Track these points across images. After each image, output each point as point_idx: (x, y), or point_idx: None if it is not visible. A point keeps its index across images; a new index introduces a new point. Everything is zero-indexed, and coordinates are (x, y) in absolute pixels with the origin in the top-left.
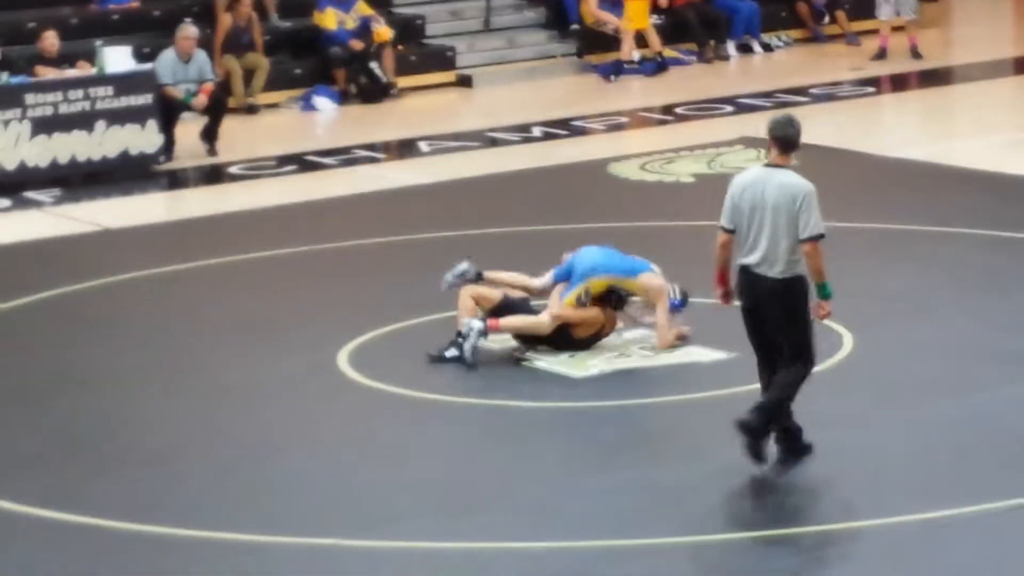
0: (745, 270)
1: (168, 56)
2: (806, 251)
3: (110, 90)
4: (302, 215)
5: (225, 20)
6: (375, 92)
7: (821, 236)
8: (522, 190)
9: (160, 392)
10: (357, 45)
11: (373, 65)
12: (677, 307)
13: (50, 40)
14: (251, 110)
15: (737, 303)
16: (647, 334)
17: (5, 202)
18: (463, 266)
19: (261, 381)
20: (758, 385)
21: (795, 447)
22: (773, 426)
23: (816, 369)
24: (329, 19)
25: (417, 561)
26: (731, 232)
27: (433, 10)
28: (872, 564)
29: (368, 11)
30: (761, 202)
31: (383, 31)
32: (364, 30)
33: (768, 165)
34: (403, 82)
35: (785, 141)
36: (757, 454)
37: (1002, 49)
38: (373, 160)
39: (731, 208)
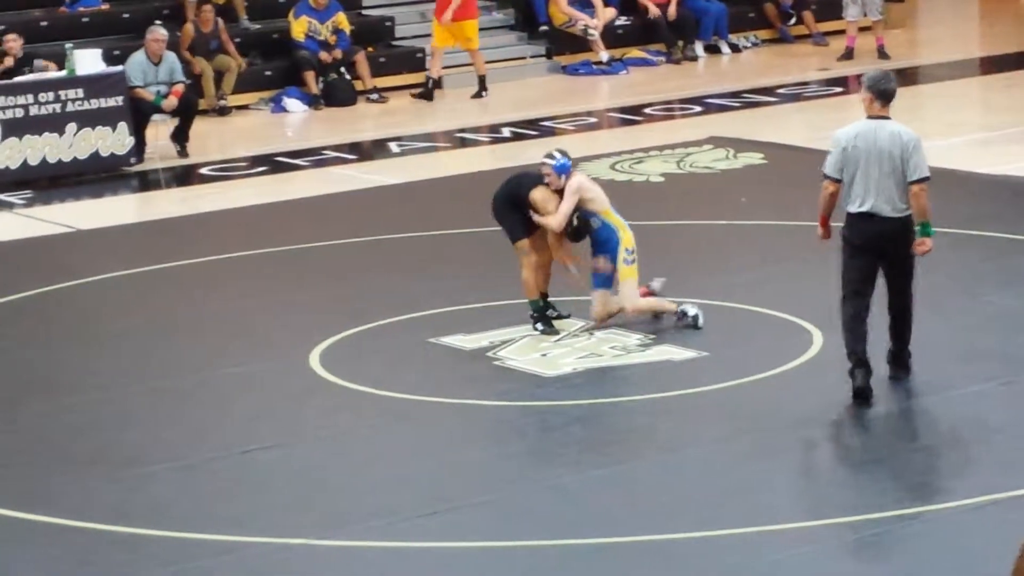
0: (862, 215)
1: (138, 58)
2: (915, 191)
3: (80, 92)
4: (273, 216)
5: (188, 29)
6: (345, 97)
7: (928, 178)
8: (492, 190)
9: (132, 393)
10: (326, 58)
11: (342, 71)
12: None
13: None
14: (222, 112)
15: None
16: (618, 333)
17: None
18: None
19: (233, 381)
20: (729, 383)
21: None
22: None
23: (786, 367)
24: (299, 28)
25: (389, 560)
26: (839, 182)
27: (402, 12)
28: (844, 561)
29: (346, 26)
30: (875, 150)
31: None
32: (340, 43)
33: (872, 117)
34: (372, 83)
35: (888, 94)
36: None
37: (968, 49)
38: (344, 161)
39: (841, 159)
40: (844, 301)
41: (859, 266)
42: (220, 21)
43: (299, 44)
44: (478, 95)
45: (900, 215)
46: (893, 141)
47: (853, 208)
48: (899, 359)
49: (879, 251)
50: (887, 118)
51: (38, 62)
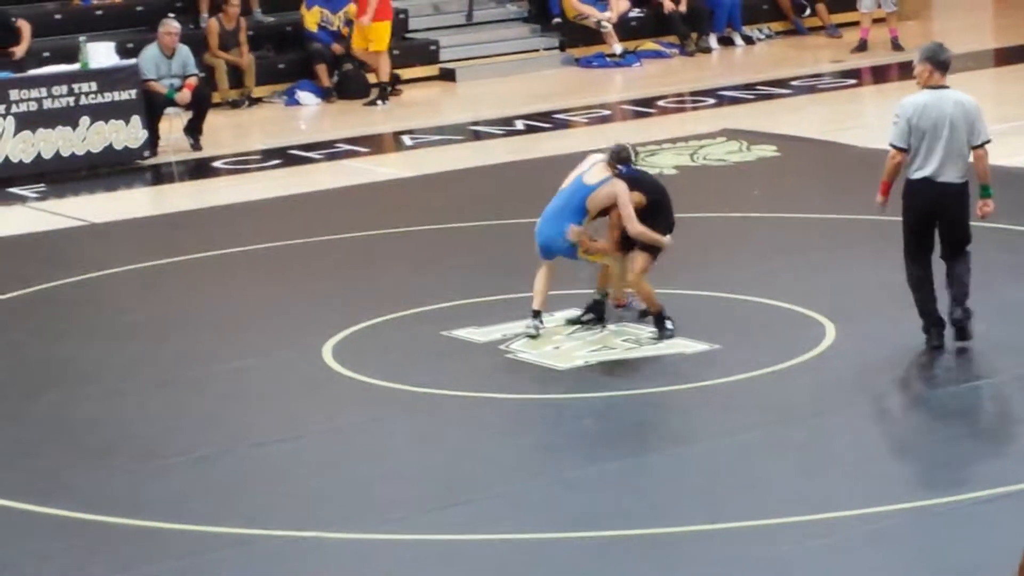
0: (927, 180)
1: (151, 51)
2: (979, 155)
3: (94, 85)
4: (286, 209)
5: (212, 25)
6: (358, 90)
7: (989, 141)
8: (505, 183)
9: (145, 386)
10: (338, 49)
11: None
12: None
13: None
14: (235, 105)
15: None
16: (631, 327)
17: None
18: (529, 328)
19: (246, 374)
20: (741, 376)
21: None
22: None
23: (798, 360)
24: (311, 18)
25: (402, 553)
26: (905, 151)
27: (416, 4)
28: (856, 553)
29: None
30: (942, 118)
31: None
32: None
33: (934, 87)
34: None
35: (946, 64)
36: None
37: (982, 41)
38: (357, 154)
39: (908, 129)
40: (910, 263)
41: (921, 230)
42: (242, 20)
43: (312, 35)
44: (372, 103)
45: (961, 180)
46: (957, 109)
47: (918, 175)
48: (962, 324)
49: (940, 215)
50: (947, 87)
51: None
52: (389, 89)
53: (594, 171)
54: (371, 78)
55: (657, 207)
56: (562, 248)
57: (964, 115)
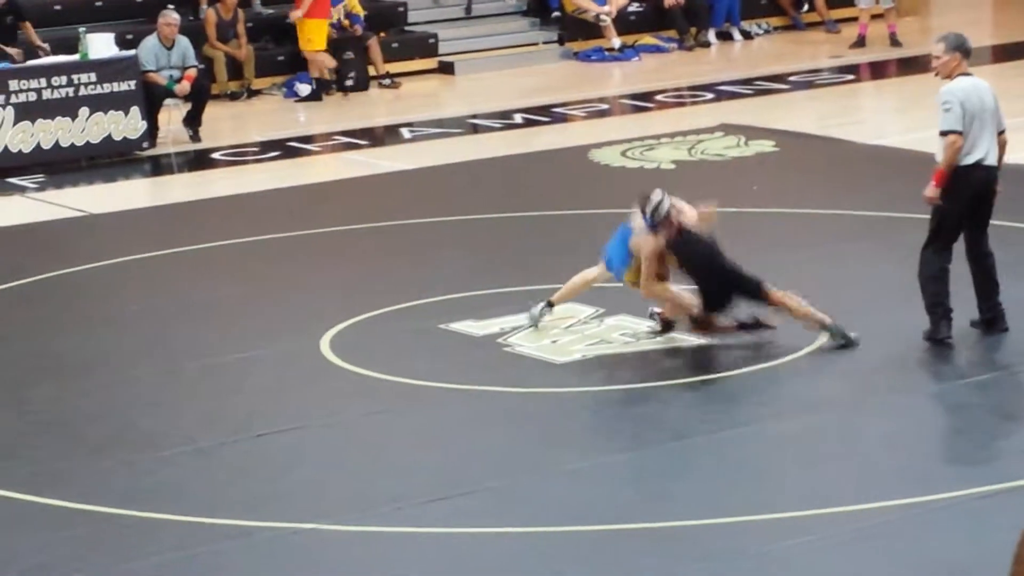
0: (978, 164)
1: (151, 42)
2: (1003, 140)
3: (93, 76)
4: (285, 201)
5: (210, 16)
6: (355, 82)
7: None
8: (503, 176)
9: (145, 377)
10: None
11: (349, 55)
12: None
13: None
14: (233, 96)
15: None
16: (629, 320)
17: None
18: (534, 311)
19: (244, 366)
20: (738, 371)
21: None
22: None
23: (795, 355)
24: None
25: (400, 545)
26: (963, 134)
27: None
28: (853, 549)
29: (359, 10)
30: (981, 104)
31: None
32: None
33: (965, 75)
34: (384, 69)
35: (971, 51)
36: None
37: (981, 37)
38: (355, 146)
39: (963, 114)
40: (937, 254)
41: (963, 218)
42: (240, 11)
43: None
44: (309, 99)
45: (997, 164)
46: (988, 94)
47: (970, 160)
48: (994, 317)
49: (986, 199)
50: (971, 74)
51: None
52: (334, 87)
53: (636, 215)
54: (370, 71)
55: (699, 272)
56: (615, 270)
57: (994, 100)
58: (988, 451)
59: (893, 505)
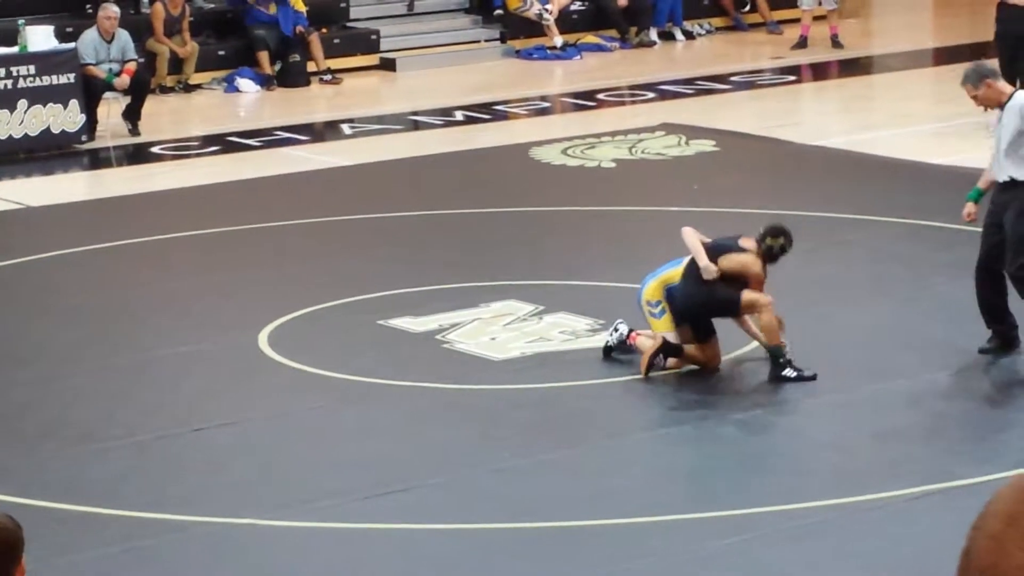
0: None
1: (90, 35)
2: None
3: (32, 69)
4: (224, 196)
5: (158, 10)
6: (297, 77)
7: None
8: (444, 173)
9: (82, 370)
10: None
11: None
12: None
13: None
14: (165, 90)
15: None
16: (568, 318)
17: None
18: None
19: (183, 360)
20: (676, 369)
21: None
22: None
23: (735, 354)
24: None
25: (338, 541)
26: None
27: None
28: (793, 547)
29: (301, 6)
30: (999, 125)
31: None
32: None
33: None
34: (325, 64)
35: (994, 70)
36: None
37: (922, 40)
38: (296, 142)
39: None
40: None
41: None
42: (186, 6)
43: (257, 15)
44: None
45: (1021, 179)
46: (1009, 113)
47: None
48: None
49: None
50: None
51: None
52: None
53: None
54: (310, 66)
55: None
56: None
57: (1014, 117)
58: (921, 452)
59: (826, 505)
